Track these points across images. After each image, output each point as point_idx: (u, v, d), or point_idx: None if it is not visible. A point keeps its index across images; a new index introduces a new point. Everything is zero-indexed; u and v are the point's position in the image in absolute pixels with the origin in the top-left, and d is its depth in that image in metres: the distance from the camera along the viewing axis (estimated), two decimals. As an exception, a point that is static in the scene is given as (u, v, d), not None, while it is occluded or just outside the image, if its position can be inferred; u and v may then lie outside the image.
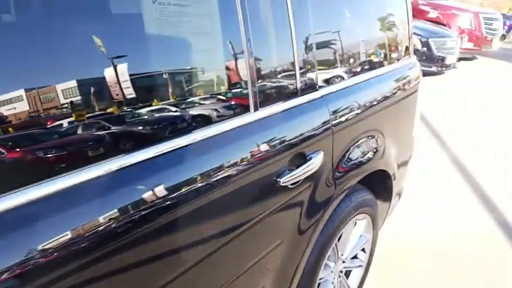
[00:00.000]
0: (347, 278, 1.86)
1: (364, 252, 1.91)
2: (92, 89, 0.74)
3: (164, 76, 0.88)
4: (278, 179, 1.09)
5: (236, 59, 1.02)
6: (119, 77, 0.76)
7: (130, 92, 0.79)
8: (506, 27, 16.65)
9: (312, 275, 1.49)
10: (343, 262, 1.77)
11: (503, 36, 14.55)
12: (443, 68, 7.53)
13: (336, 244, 1.61)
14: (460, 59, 8.39)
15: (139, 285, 0.83)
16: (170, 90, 0.88)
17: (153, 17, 0.84)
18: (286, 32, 1.14)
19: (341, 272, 1.78)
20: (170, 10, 0.87)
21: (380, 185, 1.83)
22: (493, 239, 2.68)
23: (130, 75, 0.78)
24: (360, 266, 1.91)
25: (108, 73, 0.75)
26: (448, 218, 2.86)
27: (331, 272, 1.70)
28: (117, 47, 0.78)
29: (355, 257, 1.85)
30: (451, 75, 7.82)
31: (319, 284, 1.59)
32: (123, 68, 0.77)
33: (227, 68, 1.03)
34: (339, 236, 1.59)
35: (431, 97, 5.00)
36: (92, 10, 0.75)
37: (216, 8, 0.98)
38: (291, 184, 1.14)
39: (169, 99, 0.88)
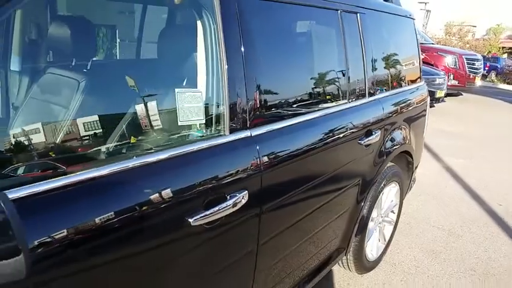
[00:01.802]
0: (383, 230, 2.68)
1: (394, 213, 2.75)
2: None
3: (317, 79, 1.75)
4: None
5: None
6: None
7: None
8: (486, 68, 18.22)
9: (365, 225, 2.30)
10: (381, 217, 2.60)
11: (484, 76, 15.99)
12: (433, 101, 8.58)
13: (377, 203, 2.43)
14: (447, 95, 9.48)
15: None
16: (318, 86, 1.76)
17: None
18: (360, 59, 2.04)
19: (380, 224, 2.61)
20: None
21: (405, 164, 2.70)
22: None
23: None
24: (391, 222, 2.74)
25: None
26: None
27: (374, 223, 2.51)
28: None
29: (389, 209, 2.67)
30: (441, 107, 8.90)
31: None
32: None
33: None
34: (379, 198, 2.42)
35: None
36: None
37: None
38: (365, 146, 2.01)
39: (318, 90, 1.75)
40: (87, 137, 1.07)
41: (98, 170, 0.91)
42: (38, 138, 1.08)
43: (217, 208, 1.16)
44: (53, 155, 1.04)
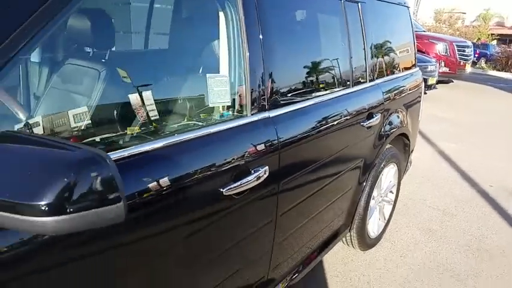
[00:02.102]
0: (383, 210, 2.85)
1: (392, 193, 2.91)
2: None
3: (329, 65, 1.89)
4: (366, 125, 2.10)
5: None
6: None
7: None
8: (476, 55, 18.50)
9: (367, 204, 2.45)
10: (381, 197, 2.76)
11: (474, 63, 16.25)
12: (426, 88, 8.76)
13: (377, 183, 2.58)
14: (438, 82, 9.67)
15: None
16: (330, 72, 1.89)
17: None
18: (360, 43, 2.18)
19: (380, 203, 2.76)
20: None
21: (402, 146, 2.85)
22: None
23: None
24: (390, 202, 2.90)
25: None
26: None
27: (375, 202, 2.67)
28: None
29: (389, 189, 2.83)
30: (433, 93, 9.08)
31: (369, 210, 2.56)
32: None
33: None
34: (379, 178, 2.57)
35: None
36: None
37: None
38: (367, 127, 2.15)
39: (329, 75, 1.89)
40: (146, 117, 1.20)
41: (152, 144, 1.05)
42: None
43: (244, 181, 1.29)
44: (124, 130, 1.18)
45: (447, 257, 2.76)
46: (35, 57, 1.99)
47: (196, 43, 1.51)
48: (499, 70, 15.91)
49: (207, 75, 1.27)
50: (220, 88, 1.29)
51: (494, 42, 28.67)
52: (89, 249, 0.92)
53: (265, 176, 1.40)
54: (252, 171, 1.35)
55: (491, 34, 34.54)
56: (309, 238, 1.93)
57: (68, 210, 0.66)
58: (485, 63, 17.65)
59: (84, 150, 0.71)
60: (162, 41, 1.56)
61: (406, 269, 2.59)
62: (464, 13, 43.33)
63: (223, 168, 1.24)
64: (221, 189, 1.24)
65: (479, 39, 31.43)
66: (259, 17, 1.43)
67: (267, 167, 1.41)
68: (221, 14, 1.37)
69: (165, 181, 1.06)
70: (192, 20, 1.58)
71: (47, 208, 0.64)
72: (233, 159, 1.29)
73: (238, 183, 1.28)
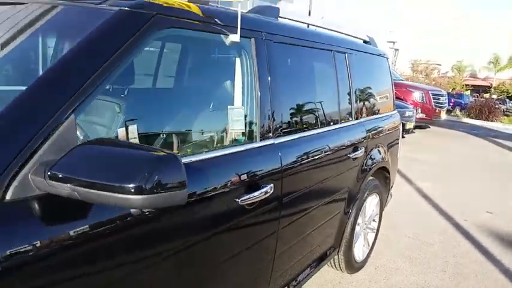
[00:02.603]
0: (367, 236, 3.12)
1: (375, 221, 3.20)
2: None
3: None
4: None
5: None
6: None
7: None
8: (451, 104, 19.54)
9: (353, 229, 2.74)
10: (365, 224, 3.04)
11: (449, 111, 17.16)
12: (404, 132, 9.31)
13: (362, 211, 2.88)
14: (416, 127, 10.26)
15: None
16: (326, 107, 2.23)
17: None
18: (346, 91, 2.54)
19: (364, 229, 3.04)
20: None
21: (382, 179, 3.18)
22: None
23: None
24: (373, 230, 3.19)
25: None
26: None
27: (360, 228, 2.95)
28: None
29: (372, 218, 3.12)
30: (411, 137, 9.62)
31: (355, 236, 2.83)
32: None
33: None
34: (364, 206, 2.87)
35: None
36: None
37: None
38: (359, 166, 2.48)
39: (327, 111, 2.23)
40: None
41: (191, 158, 1.34)
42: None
43: (255, 194, 1.58)
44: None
45: (426, 280, 3.02)
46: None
47: (219, 82, 1.83)
48: (472, 118, 16.81)
49: (229, 106, 1.59)
50: (237, 118, 1.60)
51: (468, 92, 30.29)
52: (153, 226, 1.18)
53: (271, 192, 1.68)
54: (261, 187, 1.63)
55: (466, 85, 36.47)
56: (304, 254, 2.19)
57: (149, 192, 0.93)
58: (460, 111, 18.62)
59: (162, 151, 0.99)
60: (190, 81, 1.88)
61: (390, 286, 2.85)
62: (440, 64, 45.83)
63: (238, 182, 1.52)
64: (237, 199, 1.52)
65: (453, 89, 33.15)
66: (268, 63, 1.77)
67: (272, 184, 1.70)
68: (237, 60, 1.71)
69: (200, 187, 1.34)
70: (215, 64, 1.90)
71: (135, 189, 0.92)
72: (246, 175, 1.57)
73: (250, 195, 1.56)
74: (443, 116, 11.69)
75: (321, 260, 2.43)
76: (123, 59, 1.17)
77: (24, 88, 1.04)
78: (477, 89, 35.16)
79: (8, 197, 0.93)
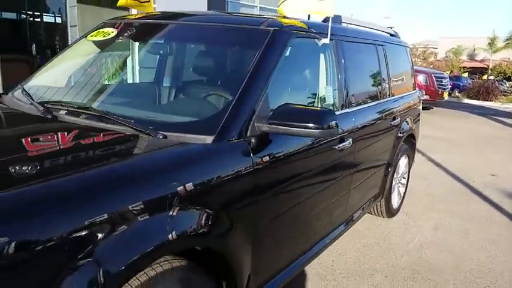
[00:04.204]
0: (399, 189, 3.97)
1: (404, 178, 4.04)
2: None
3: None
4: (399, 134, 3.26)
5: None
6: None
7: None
8: (450, 86, 20.34)
9: (391, 181, 3.57)
10: (398, 179, 3.88)
11: (449, 94, 17.98)
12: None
13: (397, 168, 3.71)
14: (422, 108, 11.07)
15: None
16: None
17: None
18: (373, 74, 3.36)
19: (398, 184, 3.89)
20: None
21: (410, 144, 4.02)
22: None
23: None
24: (403, 185, 4.03)
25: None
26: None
27: (395, 182, 3.79)
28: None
29: (403, 175, 3.96)
30: (417, 118, 10.44)
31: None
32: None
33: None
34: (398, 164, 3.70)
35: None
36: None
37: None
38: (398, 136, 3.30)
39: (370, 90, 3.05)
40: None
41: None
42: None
43: (345, 143, 2.41)
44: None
45: (446, 220, 3.87)
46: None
47: (317, 70, 2.62)
48: (471, 98, 17.62)
49: (325, 86, 2.41)
50: (329, 93, 2.42)
51: (466, 74, 31.05)
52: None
53: (350, 144, 2.51)
54: (345, 139, 2.46)
55: (463, 67, 37.15)
56: (363, 194, 3.03)
57: (321, 129, 1.74)
58: (459, 93, 19.43)
59: (324, 108, 1.82)
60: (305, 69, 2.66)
61: (417, 226, 3.70)
62: (436, 48, 46.51)
63: (338, 136, 2.35)
64: (334, 147, 2.34)
65: (451, 71, 33.85)
66: (342, 56, 2.59)
67: (351, 139, 2.53)
68: (326, 55, 2.52)
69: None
70: (314, 57, 2.68)
71: (315, 127, 1.73)
72: (342, 131, 2.40)
73: (342, 144, 2.39)
74: (446, 97, 12.51)
75: (371, 202, 3.27)
76: (282, 58, 1.99)
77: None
78: (474, 71, 35.86)
79: (248, 134, 1.74)
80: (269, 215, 1.86)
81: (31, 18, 10.09)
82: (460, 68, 36.88)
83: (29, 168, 1.31)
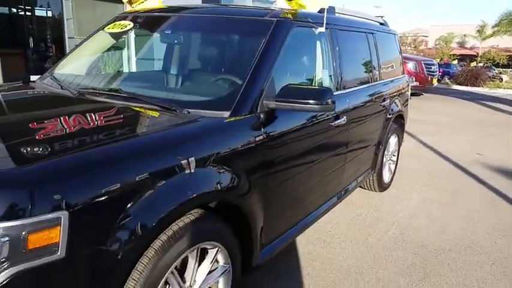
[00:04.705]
0: (390, 166, 4.30)
1: (395, 156, 4.37)
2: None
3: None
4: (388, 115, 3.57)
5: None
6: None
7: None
8: (440, 74, 20.75)
9: (382, 157, 3.90)
10: (389, 156, 4.21)
11: (439, 80, 18.37)
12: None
13: (387, 145, 4.04)
14: (411, 94, 11.42)
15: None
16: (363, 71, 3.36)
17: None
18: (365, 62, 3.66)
19: (388, 161, 4.22)
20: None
21: (399, 124, 4.34)
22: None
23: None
24: (394, 162, 4.36)
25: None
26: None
27: (386, 159, 4.11)
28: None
29: (393, 153, 4.29)
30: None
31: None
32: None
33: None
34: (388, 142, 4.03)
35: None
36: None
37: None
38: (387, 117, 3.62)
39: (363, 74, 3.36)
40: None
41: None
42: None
43: (339, 120, 2.71)
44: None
45: (432, 196, 4.22)
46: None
47: (315, 55, 2.91)
48: (460, 84, 18.04)
49: (322, 70, 2.71)
50: (325, 77, 2.72)
51: (456, 61, 31.50)
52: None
53: (345, 121, 2.82)
54: (340, 117, 2.76)
55: (453, 55, 37.60)
56: (357, 167, 3.35)
57: (321, 104, 2.04)
58: (449, 79, 19.84)
59: (323, 87, 2.11)
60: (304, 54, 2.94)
61: (407, 199, 4.04)
62: (427, 36, 46.90)
63: (331, 113, 2.65)
64: (331, 123, 2.65)
65: (441, 59, 34.27)
66: (337, 43, 2.88)
67: (345, 117, 2.83)
68: (322, 42, 2.81)
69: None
70: (312, 44, 2.95)
71: (315, 103, 2.03)
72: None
73: (337, 121, 2.69)
74: (435, 83, 12.88)
75: (364, 175, 3.60)
76: (285, 45, 2.29)
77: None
78: (464, 58, 36.35)
79: (258, 110, 2.04)
80: (276, 180, 2.16)
81: (28, 13, 10.24)
82: (450, 55, 37.35)
83: (83, 138, 1.60)
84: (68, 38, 9.57)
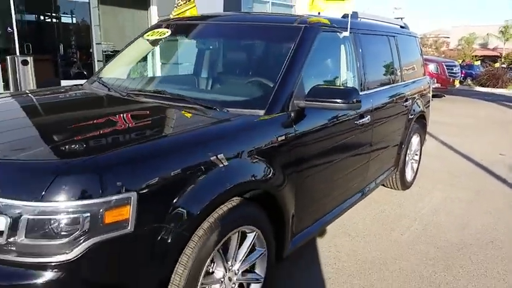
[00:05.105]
0: (413, 165, 4.42)
1: (417, 155, 4.49)
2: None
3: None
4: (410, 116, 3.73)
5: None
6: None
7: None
8: (462, 75, 20.53)
9: (405, 156, 4.03)
10: (411, 155, 4.33)
11: (461, 82, 18.21)
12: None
13: (410, 145, 4.16)
14: (433, 96, 11.42)
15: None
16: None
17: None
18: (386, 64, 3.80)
19: (411, 160, 4.34)
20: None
21: (421, 124, 4.46)
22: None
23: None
24: (416, 161, 4.48)
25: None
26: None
27: (408, 158, 4.24)
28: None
29: (415, 152, 4.41)
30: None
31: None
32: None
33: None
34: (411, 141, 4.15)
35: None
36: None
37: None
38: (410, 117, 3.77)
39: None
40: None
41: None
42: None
43: (363, 119, 2.88)
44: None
45: (455, 195, 4.32)
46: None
47: (340, 58, 3.09)
48: (482, 86, 17.82)
49: (346, 72, 2.89)
50: (350, 79, 2.89)
51: (478, 63, 30.99)
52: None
53: (369, 120, 2.98)
54: (365, 117, 2.93)
55: (475, 56, 36.99)
56: (380, 165, 3.50)
57: (347, 103, 2.21)
58: (471, 81, 19.61)
59: (349, 87, 2.29)
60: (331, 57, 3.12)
61: (429, 197, 4.15)
62: (448, 37, 46.24)
63: (356, 112, 2.81)
64: (356, 122, 2.81)
65: (463, 60, 33.75)
66: (360, 47, 3.05)
67: (369, 116, 2.99)
68: (347, 46, 2.99)
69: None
70: (337, 47, 3.13)
71: (342, 102, 2.20)
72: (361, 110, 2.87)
73: (362, 120, 2.86)
74: (457, 84, 12.81)
75: (387, 173, 3.74)
76: (312, 49, 2.47)
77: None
78: (487, 60, 35.67)
79: (289, 109, 2.22)
80: (305, 173, 2.34)
81: (57, 20, 10.71)
82: (472, 56, 36.73)
83: (143, 132, 1.83)
84: (96, 44, 10.03)
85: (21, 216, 1.33)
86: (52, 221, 1.34)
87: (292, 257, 2.58)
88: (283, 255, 2.27)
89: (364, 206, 3.76)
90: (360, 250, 3.02)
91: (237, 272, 1.92)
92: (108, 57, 9.78)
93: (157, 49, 3.08)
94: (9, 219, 1.34)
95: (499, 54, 38.50)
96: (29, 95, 2.81)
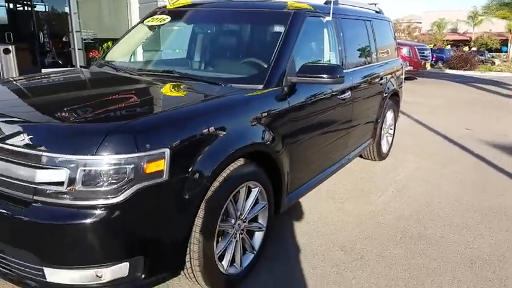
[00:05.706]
0: (388, 138, 4.86)
1: (391, 129, 4.94)
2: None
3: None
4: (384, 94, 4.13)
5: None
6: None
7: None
8: (433, 59, 21.34)
9: (381, 129, 4.45)
10: (386, 129, 4.77)
11: (432, 65, 18.96)
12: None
13: (385, 119, 4.59)
14: (405, 78, 11.99)
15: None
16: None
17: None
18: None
19: (386, 133, 4.78)
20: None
21: (395, 101, 4.90)
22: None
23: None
24: (391, 134, 4.93)
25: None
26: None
27: (383, 131, 4.67)
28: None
29: (390, 126, 4.86)
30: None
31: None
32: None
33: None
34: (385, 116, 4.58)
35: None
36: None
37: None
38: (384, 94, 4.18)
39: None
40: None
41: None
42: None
43: (345, 95, 3.27)
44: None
45: (424, 163, 4.80)
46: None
47: (323, 40, 3.45)
48: (452, 69, 18.63)
49: (329, 52, 3.25)
50: (332, 58, 3.26)
51: (449, 47, 32.04)
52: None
53: (350, 95, 3.37)
54: (345, 92, 3.31)
55: (446, 40, 38.11)
56: (359, 136, 3.92)
57: (333, 78, 2.58)
58: (442, 64, 20.43)
59: (334, 64, 2.66)
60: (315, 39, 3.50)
61: (403, 167, 4.63)
62: (420, 22, 47.36)
63: (338, 88, 3.19)
64: (338, 96, 3.20)
65: (435, 45, 34.77)
66: (341, 30, 3.42)
67: (350, 92, 3.38)
68: (325, 30, 3.35)
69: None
70: (321, 31, 3.48)
71: (328, 77, 2.57)
72: (342, 87, 3.25)
73: (343, 95, 3.25)
74: (428, 67, 13.44)
75: (365, 143, 4.17)
76: (301, 32, 2.83)
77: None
78: (457, 44, 36.84)
79: (283, 84, 2.58)
80: (297, 139, 2.71)
81: (36, 9, 10.65)
82: (443, 41, 37.90)
83: (167, 103, 2.16)
84: (76, 32, 10.06)
85: (78, 168, 1.65)
86: (103, 171, 1.66)
87: (286, 212, 2.96)
88: (280, 210, 2.65)
89: (345, 174, 4.19)
90: (343, 210, 3.44)
91: (244, 220, 2.29)
92: (88, 45, 9.87)
93: (160, 34, 3.37)
94: (68, 171, 1.65)
95: (468, 39, 39.83)
96: (53, 76, 3.07)
